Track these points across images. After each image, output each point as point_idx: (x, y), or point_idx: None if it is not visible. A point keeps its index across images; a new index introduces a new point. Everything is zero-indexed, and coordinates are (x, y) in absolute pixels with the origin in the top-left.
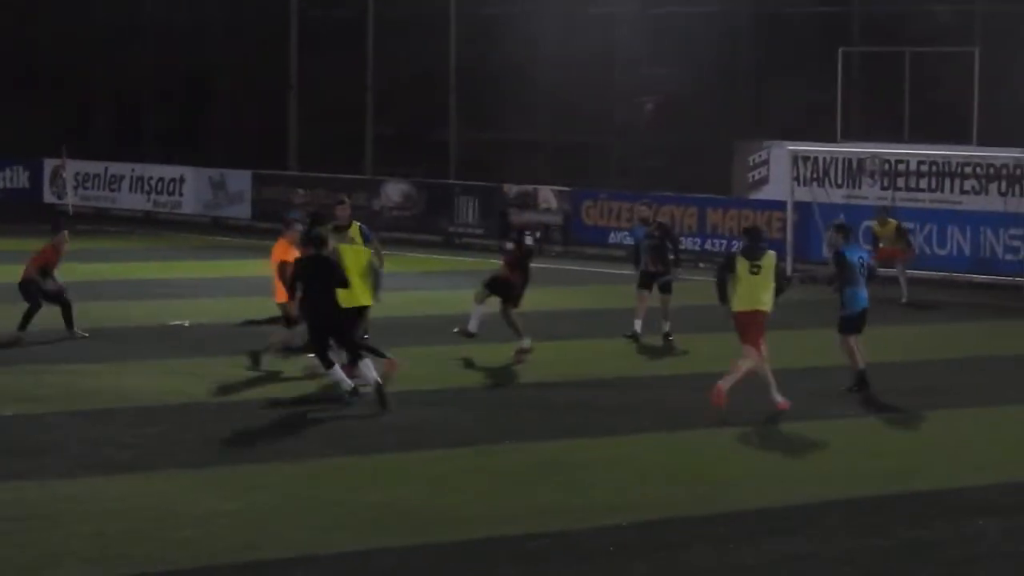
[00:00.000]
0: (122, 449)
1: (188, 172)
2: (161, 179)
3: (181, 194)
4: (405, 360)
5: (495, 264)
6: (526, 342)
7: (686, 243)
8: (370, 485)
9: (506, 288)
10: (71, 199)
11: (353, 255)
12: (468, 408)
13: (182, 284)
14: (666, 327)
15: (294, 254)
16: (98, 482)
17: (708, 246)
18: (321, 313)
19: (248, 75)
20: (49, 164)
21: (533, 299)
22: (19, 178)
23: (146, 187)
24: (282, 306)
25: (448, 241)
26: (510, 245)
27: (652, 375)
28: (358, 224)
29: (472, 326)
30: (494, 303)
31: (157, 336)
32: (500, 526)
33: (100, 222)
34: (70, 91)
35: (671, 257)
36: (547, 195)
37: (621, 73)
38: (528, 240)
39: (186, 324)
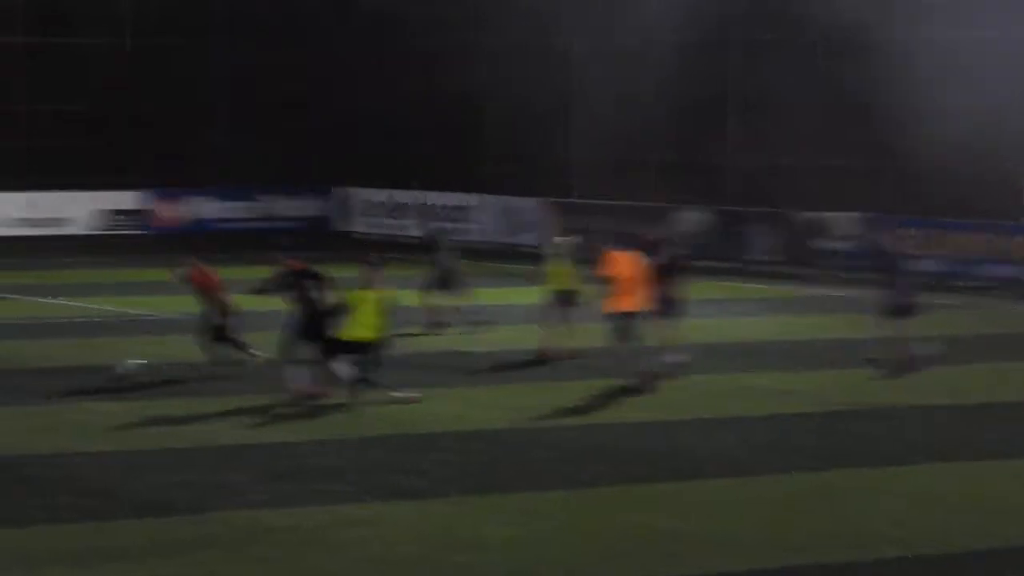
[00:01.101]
0: (407, 475)
1: (477, 199)
2: (450, 206)
3: (470, 221)
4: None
5: (788, 292)
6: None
7: (979, 270)
8: (647, 512)
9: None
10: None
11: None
12: (738, 435)
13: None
14: (912, 351)
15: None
16: (383, 507)
17: (998, 273)
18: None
19: (523, 100)
20: (340, 194)
21: (823, 325)
22: (312, 207)
23: (435, 214)
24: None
25: (741, 269)
26: (657, 259)
27: (925, 404)
28: None
29: (676, 357)
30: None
31: (453, 363)
32: (783, 555)
33: (387, 250)
34: (349, 119)
35: (900, 280)
36: (841, 221)
37: (910, 98)
38: (677, 251)
39: (473, 352)
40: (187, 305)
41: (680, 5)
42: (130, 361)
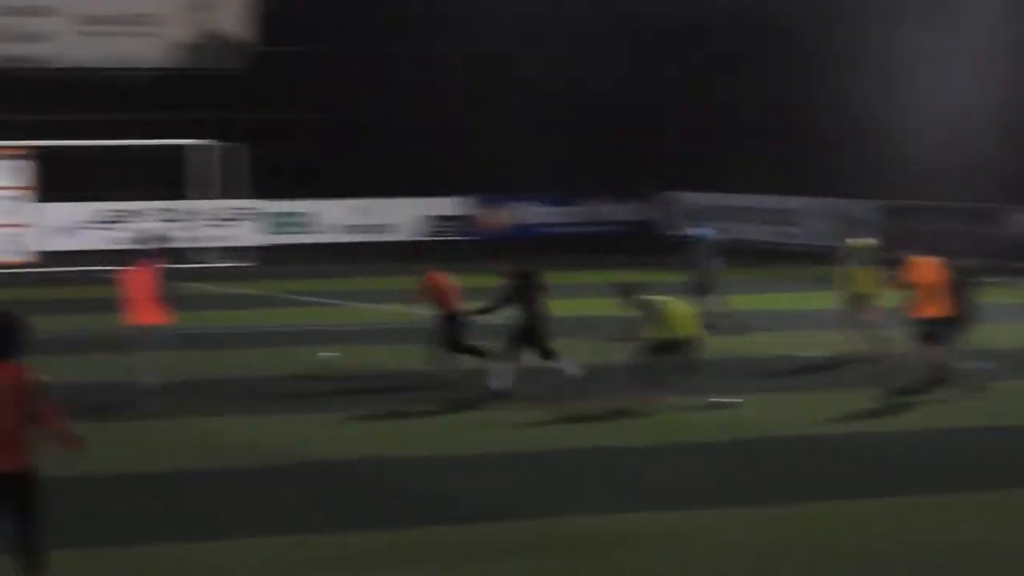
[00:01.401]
0: (726, 481)
1: (804, 202)
2: (779, 210)
3: (797, 225)
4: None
5: None
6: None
7: None
8: (978, 521)
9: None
10: None
11: None
12: None
13: (793, 316)
14: None
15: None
16: (706, 514)
17: None
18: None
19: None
20: (665, 198)
21: None
22: (637, 211)
23: (765, 218)
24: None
25: None
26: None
27: None
28: None
29: (980, 364)
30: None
31: (743, 367)
32: None
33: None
34: (673, 124)
35: None
36: None
37: None
38: (967, 263)
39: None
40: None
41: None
42: (324, 353)
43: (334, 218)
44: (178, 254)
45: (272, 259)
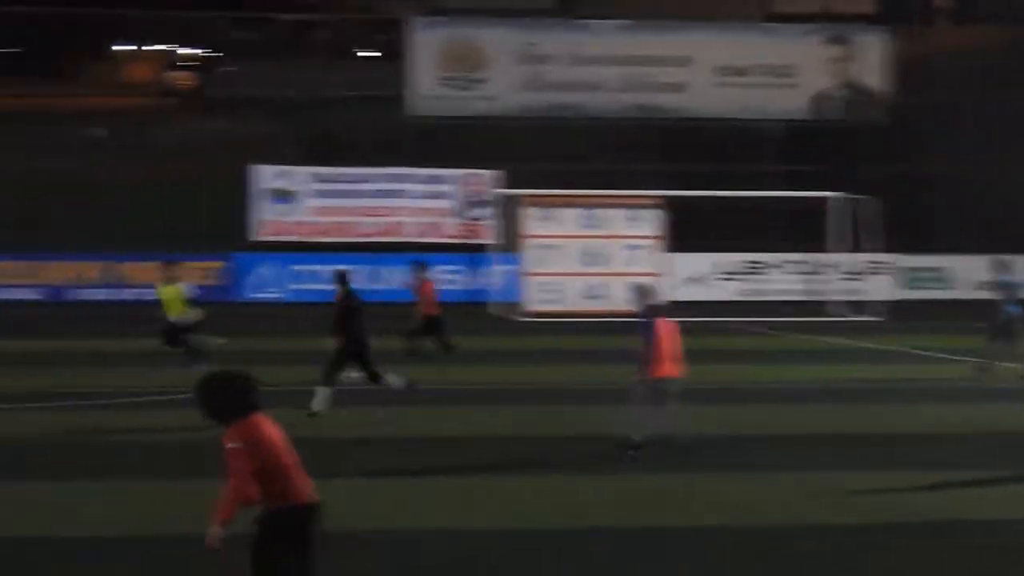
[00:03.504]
0: None
1: None
2: None
3: None
4: None
5: None
6: None
7: None
8: None
9: None
10: None
11: None
12: None
13: None
14: None
15: None
16: None
17: None
18: None
19: None
20: None
21: None
22: None
23: None
24: None
25: None
26: None
27: None
28: None
29: None
30: None
31: None
32: None
33: None
34: None
35: None
36: None
37: None
38: None
39: None
40: None
41: None
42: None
43: (971, 274)
44: (808, 307)
45: (904, 314)
